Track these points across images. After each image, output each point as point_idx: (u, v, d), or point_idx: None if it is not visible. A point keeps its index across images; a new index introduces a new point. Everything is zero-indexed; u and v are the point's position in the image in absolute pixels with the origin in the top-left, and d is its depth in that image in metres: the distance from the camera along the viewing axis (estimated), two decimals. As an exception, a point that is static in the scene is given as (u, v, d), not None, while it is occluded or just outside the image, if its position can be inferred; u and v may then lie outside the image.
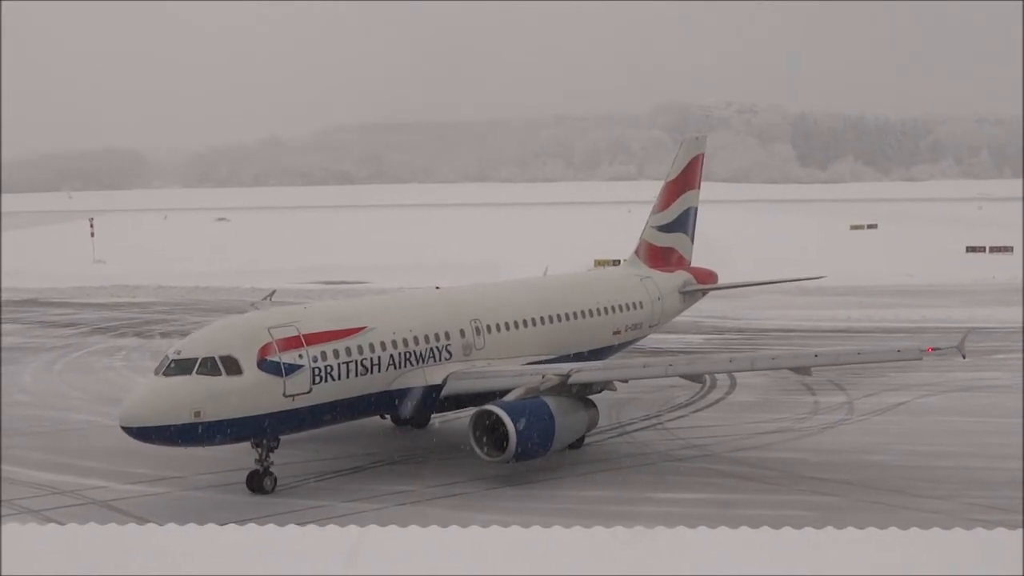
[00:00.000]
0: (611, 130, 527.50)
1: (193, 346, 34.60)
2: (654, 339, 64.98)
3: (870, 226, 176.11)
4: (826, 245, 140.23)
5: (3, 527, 24.52)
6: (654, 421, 45.60)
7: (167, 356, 34.40)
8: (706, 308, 76.33)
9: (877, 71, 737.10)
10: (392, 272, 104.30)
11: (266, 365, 34.47)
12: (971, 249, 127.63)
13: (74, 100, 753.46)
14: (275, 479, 36.24)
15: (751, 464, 39.04)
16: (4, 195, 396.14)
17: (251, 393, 34.06)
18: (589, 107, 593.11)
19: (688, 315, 73.57)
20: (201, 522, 25.59)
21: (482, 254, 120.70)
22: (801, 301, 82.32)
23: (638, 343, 54.50)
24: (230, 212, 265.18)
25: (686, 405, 48.16)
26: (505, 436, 35.69)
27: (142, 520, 32.29)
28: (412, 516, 31.66)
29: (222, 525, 25.00)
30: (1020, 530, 23.46)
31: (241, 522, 26.87)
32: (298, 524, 25.51)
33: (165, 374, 33.79)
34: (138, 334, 72.76)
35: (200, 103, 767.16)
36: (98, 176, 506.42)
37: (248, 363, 34.14)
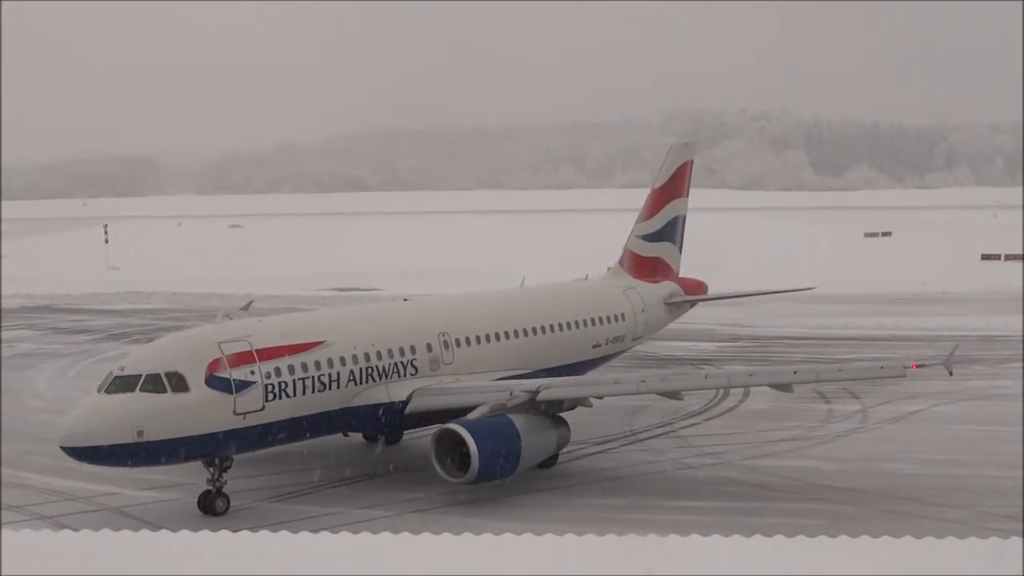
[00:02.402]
0: (624, 137, 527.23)
1: (138, 362, 33.48)
2: (665, 347, 65.01)
3: (884, 234, 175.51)
4: (840, 253, 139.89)
5: (13, 533, 24.53)
6: (667, 429, 45.52)
7: (111, 372, 33.19)
8: (720, 316, 76.44)
9: (891, 78, 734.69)
10: (406, 279, 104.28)
11: (215, 382, 33.24)
12: (986, 257, 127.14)
13: (88, 107, 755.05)
14: (228, 500, 34.87)
15: (765, 472, 38.95)
16: (20, 202, 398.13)
17: (198, 411, 32.81)
18: (602, 114, 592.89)
19: (702, 323, 73.79)
20: (214, 528, 25.63)
21: (495, 261, 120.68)
22: (815, 309, 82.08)
23: (643, 351, 54.19)
24: (244, 219, 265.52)
25: (699, 413, 48.05)
26: (469, 456, 34.35)
27: (155, 526, 32.43)
28: (425, 523, 31.67)
29: (235, 532, 25.04)
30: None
31: (254, 529, 26.92)
32: (311, 531, 25.53)
33: (107, 391, 32.55)
34: (151, 341, 72.84)
35: (214, 110, 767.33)
36: (112, 183, 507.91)
37: (195, 379, 32.93)
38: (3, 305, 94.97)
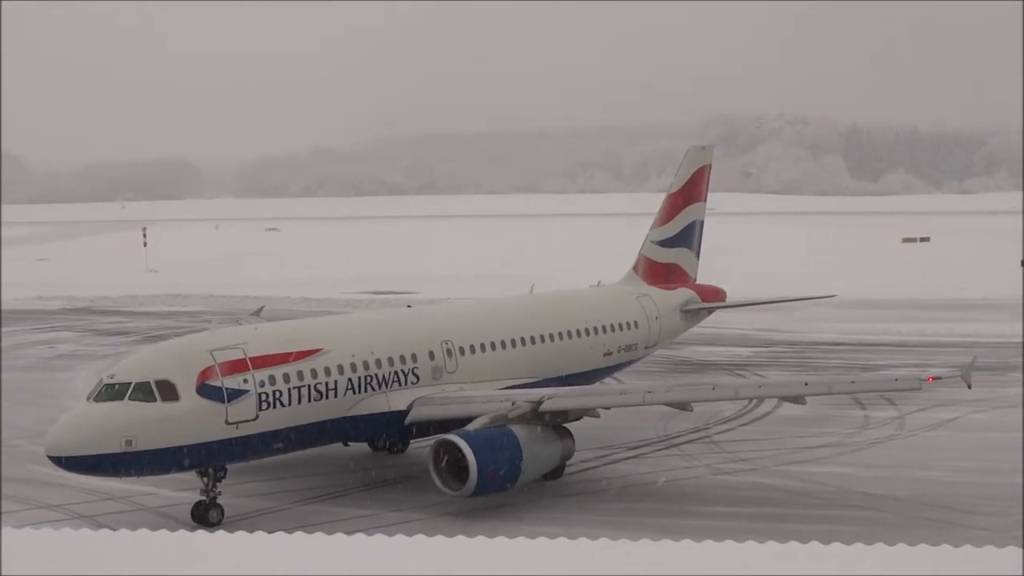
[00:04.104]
0: (659, 142, 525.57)
1: (128, 370, 32.95)
2: (699, 352, 64.90)
3: (923, 239, 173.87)
4: (878, 258, 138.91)
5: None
6: (702, 434, 45.40)
7: (101, 380, 32.78)
8: (755, 321, 76.21)
9: (930, 83, 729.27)
10: (442, 282, 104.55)
11: (206, 390, 32.66)
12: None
13: (127, 112, 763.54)
14: (222, 510, 34.26)
15: (800, 478, 38.80)
16: (59, 205, 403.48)
17: (188, 420, 32.26)
18: (637, 118, 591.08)
19: (737, 328, 73.62)
20: (251, 529, 25.82)
21: (530, 265, 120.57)
22: (852, 314, 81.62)
23: (679, 356, 53.98)
24: (281, 222, 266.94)
25: (735, 418, 47.88)
26: (468, 467, 33.68)
27: (193, 527, 32.77)
28: (459, 526, 31.75)
29: (271, 533, 25.16)
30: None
31: (289, 530, 27.06)
32: (346, 533, 25.64)
33: (96, 400, 32.06)
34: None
35: (252, 114, 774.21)
36: (151, 186, 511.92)
37: (186, 388, 32.37)
38: (44, 307, 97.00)
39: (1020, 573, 20.86)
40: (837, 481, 38.24)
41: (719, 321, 71.87)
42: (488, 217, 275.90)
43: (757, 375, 57.87)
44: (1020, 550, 22.54)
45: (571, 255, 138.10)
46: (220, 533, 24.64)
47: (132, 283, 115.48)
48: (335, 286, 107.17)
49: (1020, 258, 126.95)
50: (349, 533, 25.74)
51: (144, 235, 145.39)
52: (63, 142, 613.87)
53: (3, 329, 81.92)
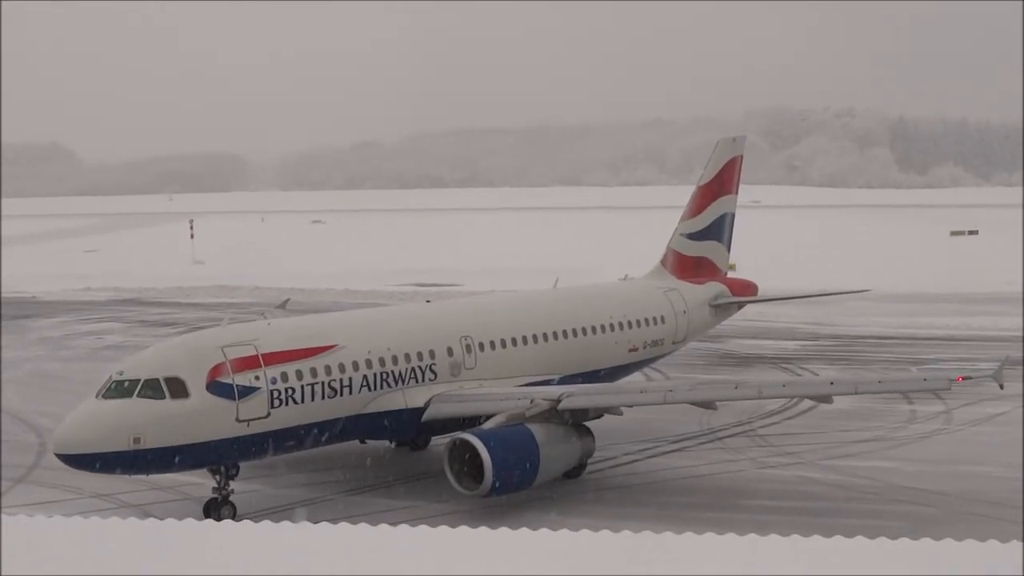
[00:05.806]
0: (704, 135, 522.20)
1: (138, 366, 32.39)
2: (746, 345, 64.53)
3: (971, 232, 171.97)
4: (925, 251, 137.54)
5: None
6: (746, 427, 45.20)
7: (110, 376, 32.12)
8: (800, 314, 75.77)
9: (979, 74, 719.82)
10: (485, 275, 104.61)
11: (216, 387, 32.05)
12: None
13: (175, 106, 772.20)
14: (234, 508, 33.71)
15: (845, 473, 38.54)
16: (109, 197, 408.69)
17: (198, 418, 31.66)
18: (682, 112, 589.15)
19: (783, 321, 73.19)
20: (295, 520, 26.00)
21: (574, 257, 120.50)
22: (896, 308, 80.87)
23: (725, 349, 53.67)
24: (325, 214, 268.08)
25: (779, 412, 47.63)
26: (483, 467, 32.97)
27: (239, 517, 33.00)
28: (503, 518, 31.79)
29: (316, 523, 25.31)
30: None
31: (334, 521, 27.21)
32: (390, 524, 25.75)
33: (105, 396, 31.49)
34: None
35: (296, 111, 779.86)
36: (198, 179, 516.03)
37: (196, 385, 31.77)
38: (93, 297, 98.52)
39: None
40: (883, 476, 37.97)
41: (764, 314, 71.66)
42: (530, 210, 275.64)
43: (804, 369, 57.55)
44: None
45: (609, 248, 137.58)
46: (298, 524, 24.72)
47: (179, 274, 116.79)
48: (379, 278, 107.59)
49: None
50: (393, 524, 25.83)
51: (191, 227, 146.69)
52: (114, 137, 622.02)
53: (53, 319, 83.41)
